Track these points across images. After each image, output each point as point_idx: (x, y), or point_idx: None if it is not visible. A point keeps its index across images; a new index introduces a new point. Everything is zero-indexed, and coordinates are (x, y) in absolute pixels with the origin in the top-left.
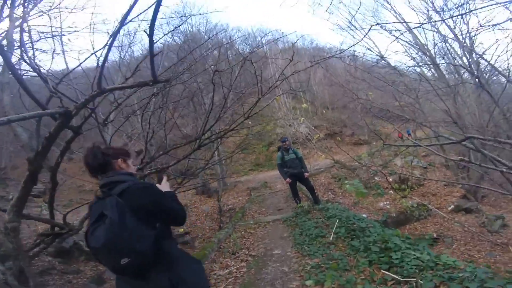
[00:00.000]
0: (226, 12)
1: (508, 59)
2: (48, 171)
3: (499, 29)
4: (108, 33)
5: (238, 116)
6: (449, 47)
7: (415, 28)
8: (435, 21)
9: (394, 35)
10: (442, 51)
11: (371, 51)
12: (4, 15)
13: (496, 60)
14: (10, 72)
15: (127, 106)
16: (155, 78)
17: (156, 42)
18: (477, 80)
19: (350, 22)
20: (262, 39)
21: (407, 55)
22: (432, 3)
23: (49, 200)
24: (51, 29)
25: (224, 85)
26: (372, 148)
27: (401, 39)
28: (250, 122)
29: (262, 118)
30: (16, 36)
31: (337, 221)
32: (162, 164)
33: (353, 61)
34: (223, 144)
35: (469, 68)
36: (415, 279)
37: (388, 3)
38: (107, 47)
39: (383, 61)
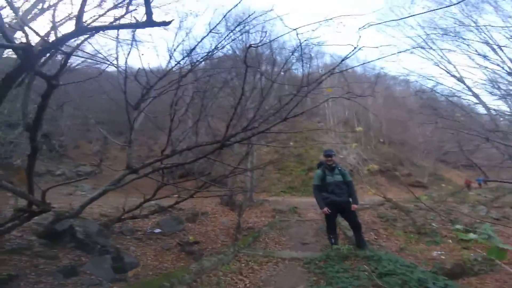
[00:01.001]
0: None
1: None
2: (25, 130)
3: None
4: None
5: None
6: None
7: None
8: None
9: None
10: None
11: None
12: None
13: None
14: None
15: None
16: (150, 18)
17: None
18: None
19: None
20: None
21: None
22: None
23: (27, 169)
24: None
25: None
26: (432, 192)
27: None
28: (291, 143)
29: (306, 141)
30: None
31: (400, 284)
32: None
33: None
34: (257, 158)
35: None
36: None
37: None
38: None
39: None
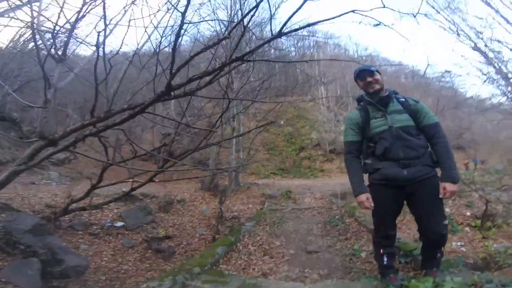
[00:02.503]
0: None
1: None
2: None
3: None
4: None
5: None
6: None
7: None
8: None
9: None
10: None
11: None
12: None
13: None
14: None
15: None
16: None
17: None
18: None
19: None
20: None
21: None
22: None
23: None
24: None
25: None
26: None
27: None
28: (282, 122)
29: (297, 120)
30: None
31: None
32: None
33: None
34: (245, 138)
35: None
36: None
37: None
38: None
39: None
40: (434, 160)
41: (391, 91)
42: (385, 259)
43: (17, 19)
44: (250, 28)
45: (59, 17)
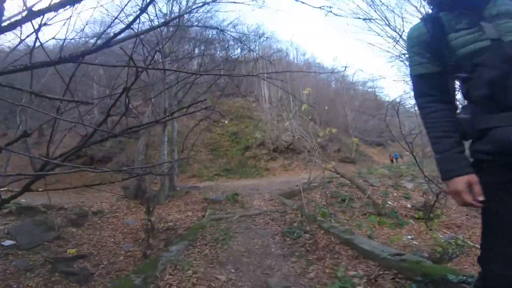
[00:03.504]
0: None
1: None
2: None
3: None
4: None
5: None
6: None
7: None
8: None
9: None
10: None
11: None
12: None
13: None
14: None
15: None
16: None
17: None
18: None
19: None
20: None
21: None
22: None
23: None
24: None
25: None
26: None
27: None
28: (226, 122)
29: (242, 119)
30: None
31: None
32: None
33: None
34: (189, 141)
35: None
36: None
37: None
38: None
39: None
40: None
41: None
42: None
43: None
44: None
45: None
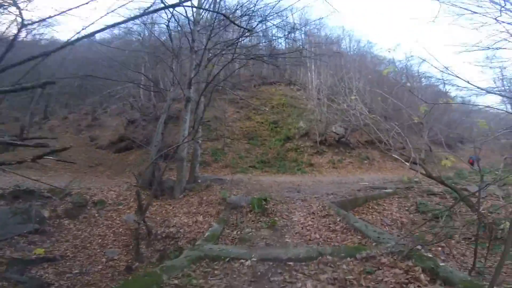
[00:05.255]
0: None
1: None
2: None
3: None
4: None
5: None
6: None
7: None
8: None
9: None
10: None
11: None
12: None
13: None
14: None
15: None
16: None
17: None
18: None
19: None
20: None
21: None
22: None
23: None
24: None
25: None
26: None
27: None
28: (266, 109)
29: (284, 108)
30: None
31: None
32: None
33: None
34: (227, 128)
35: None
36: None
37: None
38: None
39: None
40: None
41: None
42: None
43: None
44: None
45: None
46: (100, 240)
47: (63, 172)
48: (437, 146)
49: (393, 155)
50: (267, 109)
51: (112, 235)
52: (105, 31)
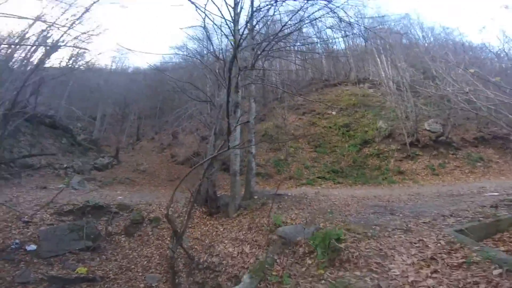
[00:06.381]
0: None
1: None
2: None
3: None
4: None
5: None
6: None
7: None
8: None
9: None
10: None
11: None
12: None
13: None
14: None
15: None
16: None
17: None
18: None
19: None
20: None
21: None
22: None
23: None
24: None
25: None
26: None
27: None
28: (333, 113)
29: (355, 109)
30: None
31: None
32: None
33: None
34: (287, 131)
35: None
36: None
37: None
38: None
39: None
40: None
41: None
42: None
43: None
44: None
45: None
46: (145, 262)
47: (147, 186)
48: None
49: None
50: (334, 112)
51: (158, 257)
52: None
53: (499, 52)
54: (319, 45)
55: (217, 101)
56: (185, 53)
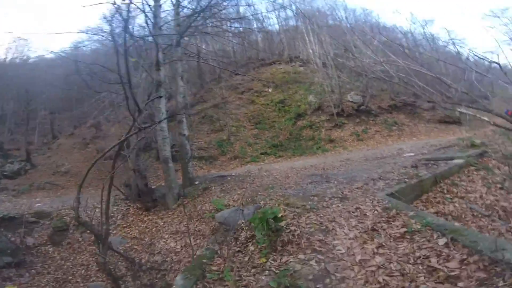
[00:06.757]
0: None
1: None
2: None
3: None
4: None
5: None
6: None
7: None
8: None
9: None
10: None
11: None
12: None
13: None
14: None
15: None
16: None
17: None
18: None
19: None
20: None
21: None
22: None
23: None
24: None
25: None
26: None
27: None
28: (270, 90)
29: (288, 85)
30: None
31: None
32: None
33: None
34: (229, 116)
35: None
36: None
37: None
38: None
39: None
40: None
41: None
42: None
43: None
44: None
45: None
46: (83, 271)
47: (73, 189)
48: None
49: (460, 110)
50: (270, 89)
51: (95, 264)
52: None
53: (407, 32)
54: (255, 25)
55: (134, 82)
56: (93, 33)
